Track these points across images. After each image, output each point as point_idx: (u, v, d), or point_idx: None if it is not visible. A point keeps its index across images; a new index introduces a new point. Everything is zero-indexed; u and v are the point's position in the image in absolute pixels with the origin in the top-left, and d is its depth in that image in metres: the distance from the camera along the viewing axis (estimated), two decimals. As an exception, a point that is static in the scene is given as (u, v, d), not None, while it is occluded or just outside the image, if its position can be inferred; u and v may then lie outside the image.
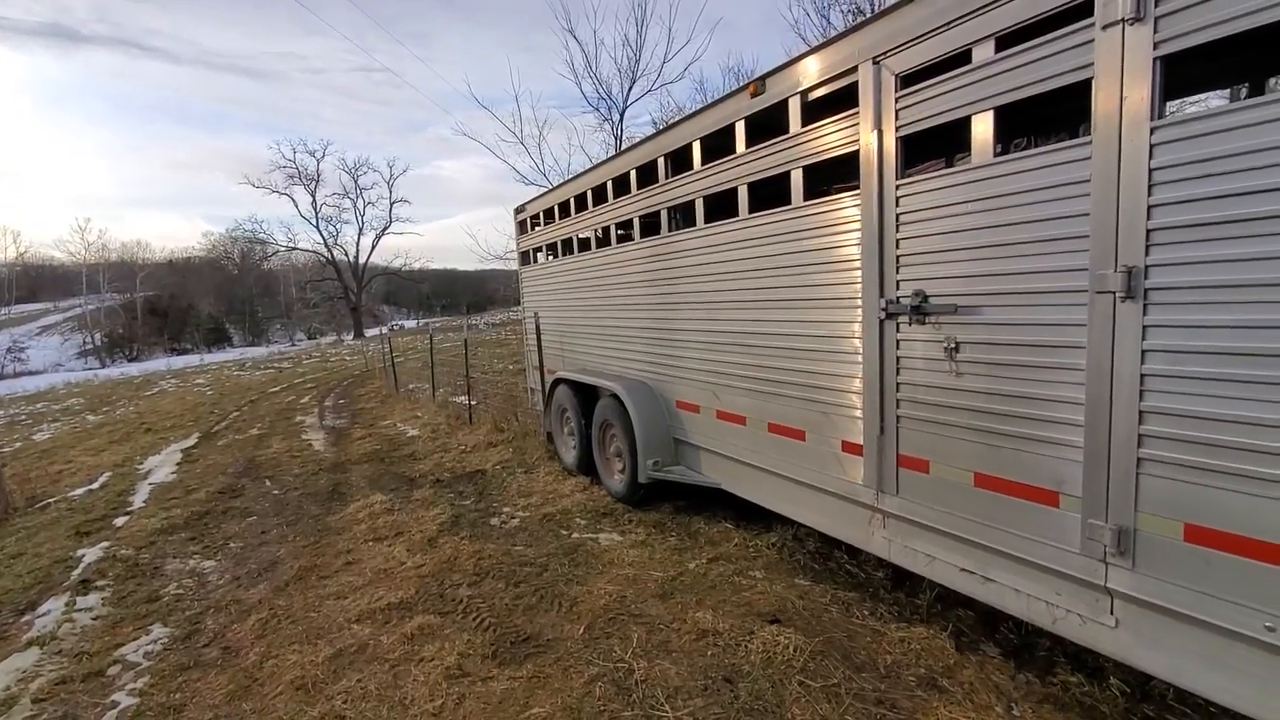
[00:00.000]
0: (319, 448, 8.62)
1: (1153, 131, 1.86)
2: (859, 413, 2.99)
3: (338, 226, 54.90)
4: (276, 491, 6.53)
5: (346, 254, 54.24)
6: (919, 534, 2.79)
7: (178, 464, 8.33)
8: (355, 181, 53.33)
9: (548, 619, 3.35)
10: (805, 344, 3.28)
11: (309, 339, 56.78)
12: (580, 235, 5.96)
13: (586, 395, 5.50)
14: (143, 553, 4.98)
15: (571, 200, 5.87)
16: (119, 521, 5.89)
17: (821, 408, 3.22)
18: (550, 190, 6.52)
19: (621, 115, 15.51)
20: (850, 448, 3.08)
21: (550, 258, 6.72)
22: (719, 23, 21.53)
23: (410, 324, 62.77)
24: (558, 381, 6.01)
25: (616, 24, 29.10)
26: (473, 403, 9.20)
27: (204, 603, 4.03)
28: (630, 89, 15.52)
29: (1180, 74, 3.03)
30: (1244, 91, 3.41)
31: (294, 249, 53.53)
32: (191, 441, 9.96)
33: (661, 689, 2.68)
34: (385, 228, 54.56)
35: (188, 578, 4.46)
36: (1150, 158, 1.87)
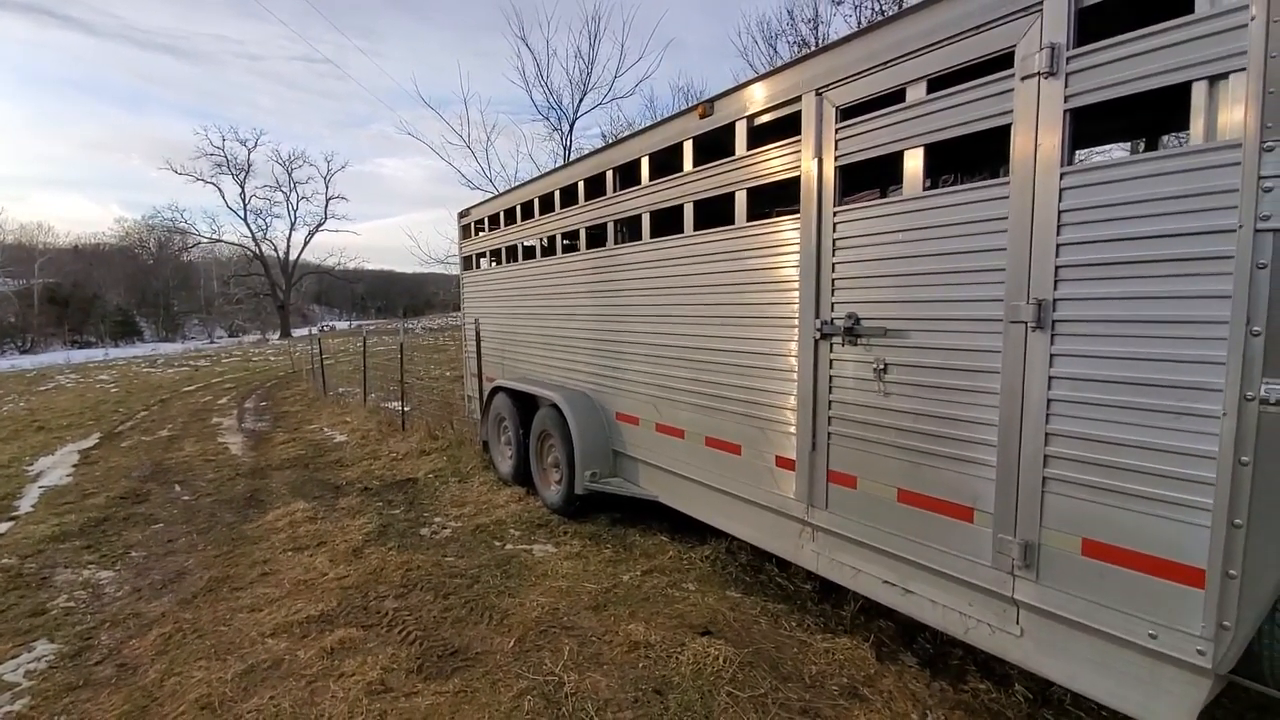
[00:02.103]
0: (236, 452, 8.17)
1: (1062, 176, 2.03)
2: (793, 429, 3.09)
3: (268, 220, 52.45)
4: (187, 497, 6.14)
5: (276, 249, 51.93)
6: (846, 547, 2.90)
7: (74, 466, 7.71)
8: (289, 174, 51.27)
9: (477, 632, 3.28)
10: (744, 360, 3.37)
11: (230, 336, 53.81)
12: (526, 243, 5.93)
13: (525, 404, 5.45)
14: (28, 562, 4.58)
15: (518, 207, 5.84)
16: (2, 528, 5.40)
17: (758, 423, 3.31)
18: (497, 196, 6.47)
19: (571, 126, 15.59)
20: (784, 463, 3.17)
21: (494, 264, 6.65)
22: (670, 43, 22.09)
23: (342, 325, 60.43)
24: (496, 390, 5.93)
25: (570, 35, 29.22)
26: (406, 409, 8.94)
27: (98, 616, 3.73)
28: (581, 101, 15.64)
29: (1091, 126, 3.31)
30: (1142, 145, 3.75)
31: (218, 241, 50.98)
32: (91, 442, 9.25)
33: (592, 701, 2.67)
34: (319, 224, 52.58)
35: (81, 589, 4.12)
36: (1060, 200, 2.04)
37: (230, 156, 48.16)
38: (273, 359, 26.34)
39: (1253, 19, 1.66)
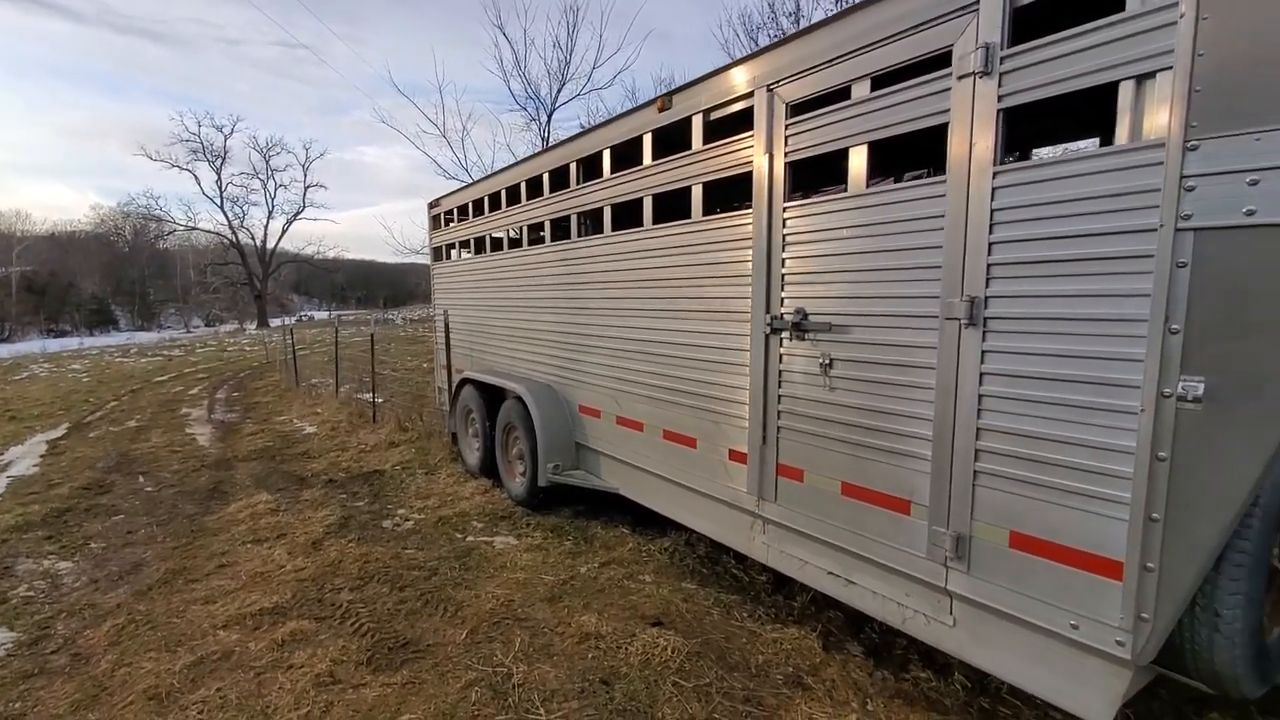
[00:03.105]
0: (203, 443, 8.08)
1: (995, 175, 2.05)
2: (745, 423, 3.11)
3: (245, 208, 51.84)
4: (150, 488, 6.08)
5: (253, 237, 51.15)
6: (794, 539, 2.93)
7: (41, 456, 7.63)
8: (267, 162, 50.39)
9: (430, 624, 3.28)
10: (700, 354, 3.38)
11: (207, 326, 53.04)
12: (493, 234, 5.89)
13: (492, 396, 5.43)
14: (-9, 552, 4.53)
15: (486, 198, 5.80)
16: (-35, 518, 5.33)
17: (712, 417, 3.33)
18: (465, 187, 6.42)
19: (549, 117, 15.44)
20: (736, 456, 3.20)
21: (462, 255, 6.61)
22: (650, 34, 21.93)
23: (321, 315, 59.81)
24: (464, 381, 5.91)
25: (548, 25, 28.89)
26: (379, 400, 8.88)
27: (56, 606, 3.73)
28: (559, 91, 15.48)
29: (1036, 125, 3.35)
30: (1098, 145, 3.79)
31: (194, 229, 50.07)
32: (59, 432, 9.15)
33: (538, 692, 2.68)
34: (297, 212, 51.79)
35: (40, 579, 4.11)
36: (992, 199, 2.06)
37: (206, 143, 47.34)
38: (248, 349, 26.03)
39: (1182, 16, 1.67)
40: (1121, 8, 1.81)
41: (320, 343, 21.89)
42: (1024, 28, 2.04)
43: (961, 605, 2.28)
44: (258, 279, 50.49)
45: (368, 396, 9.41)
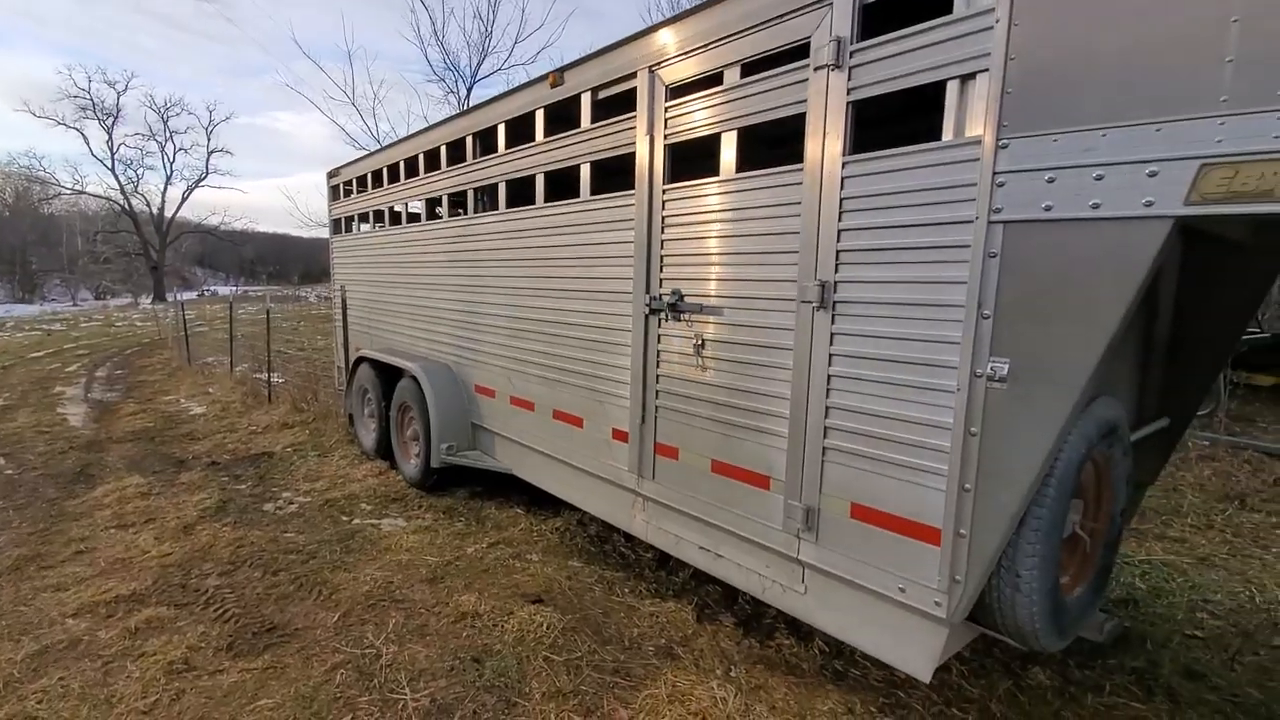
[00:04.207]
0: (76, 423, 7.47)
1: (844, 165, 2.15)
2: (627, 402, 3.16)
3: (139, 172, 47.33)
4: (10, 471, 5.60)
5: (149, 204, 47.10)
6: (670, 516, 3.01)
7: (-120, 439, 6.84)
8: (165, 122, 46.26)
9: (301, 608, 3.18)
10: (586, 334, 3.40)
11: (96, 299, 48.69)
12: (393, 208, 5.68)
13: (389, 376, 5.27)
14: None
15: (385, 170, 5.58)
16: None
17: (598, 396, 3.36)
18: (365, 157, 6.15)
19: (469, 90, 14.96)
20: (619, 435, 3.24)
21: (362, 228, 6.35)
22: (574, 11, 21.54)
23: (227, 290, 56.02)
24: (360, 360, 5.70)
25: (468, -7, 27.80)
26: (279, 380, 8.45)
27: (-115, 601, 3.38)
28: (480, 64, 15.02)
29: (904, 124, 3.52)
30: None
31: (81, 193, 45.57)
32: (-95, 412, 8.23)
33: (406, 672, 2.65)
34: (199, 179, 47.89)
35: None
36: (842, 188, 2.16)
37: (97, 100, 43.07)
38: (139, 324, 24.17)
39: (997, 22, 1.80)
40: (950, 10, 1.93)
41: (222, 319, 20.53)
42: (873, 23, 2.13)
43: (811, 574, 2.41)
44: (154, 249, 46.67)
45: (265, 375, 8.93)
